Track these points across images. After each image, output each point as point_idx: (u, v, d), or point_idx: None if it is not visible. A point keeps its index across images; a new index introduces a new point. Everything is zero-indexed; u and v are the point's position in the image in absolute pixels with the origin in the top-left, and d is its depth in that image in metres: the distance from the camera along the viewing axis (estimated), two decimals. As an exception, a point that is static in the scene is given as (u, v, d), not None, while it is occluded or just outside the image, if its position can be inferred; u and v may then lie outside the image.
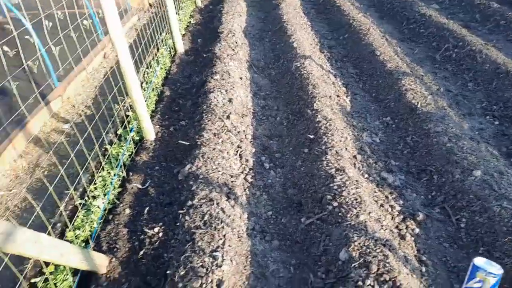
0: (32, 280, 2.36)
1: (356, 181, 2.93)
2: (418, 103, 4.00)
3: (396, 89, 4.35)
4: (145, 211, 2.91)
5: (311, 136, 3.57)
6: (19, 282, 2.28)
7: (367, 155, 3.46)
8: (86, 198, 2.95)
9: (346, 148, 3.40)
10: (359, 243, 2.40)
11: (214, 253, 2.37)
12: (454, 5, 7.30)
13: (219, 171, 3.14)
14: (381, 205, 2.92)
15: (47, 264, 2.37)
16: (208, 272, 2.23)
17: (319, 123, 3.68)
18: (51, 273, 2.35)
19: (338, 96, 4.40)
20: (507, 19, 6.07)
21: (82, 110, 4.56)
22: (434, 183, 3.21)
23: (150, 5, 8.25)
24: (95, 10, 6.42)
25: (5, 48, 5.53)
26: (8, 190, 3.34)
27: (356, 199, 2.74)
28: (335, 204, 2.73)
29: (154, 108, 4.38)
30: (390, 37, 5.99)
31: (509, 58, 4.93)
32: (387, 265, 2.27)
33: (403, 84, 4.37)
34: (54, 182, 2.56)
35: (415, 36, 6.09)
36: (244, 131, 3.86)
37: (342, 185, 2.86)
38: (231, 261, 2.39)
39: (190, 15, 7.51)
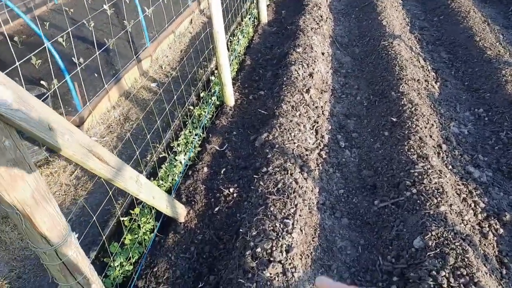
0: (121, 219, 2.63)
1: (439, 170, 2.78)
2: (519, 96, 3.62)
3: (495, 79, 3.96)
4: (222, 172, 3.06)
5: (394, 119, 3.42)
6: (115, 217, 2.56)
7: (453, 146, 3.25)
8: (169, 153, 3.17)
9: (430, 136, 3.21)
10: (437, 233, 2.30)
11: (285, 220, 2.44)
12: None
13: (294, 143, 3.17)
14: (464, 199, 2.74)
15: (133, 206, 2.63)
16: (278, 236, 2.31)
17: (404, 106, 3.50)
18: (136, 215, 2.60)
19: (426, 81, 4.13)
20: None
21: (168, 71, 4.83)
22: (527, 186, 2.93)
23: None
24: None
25: (104, 6, 5.99)
26: (101, 137, 3.71)
27: (437, 189, 2.60)
28: (414, 191, 2.63)
29: (235, 76, 4.49)
30: (493, 23, 5.40)
31: None
32: (466, 259, 2.16)
33: (503, 75, 3.96)
34: (148, 136, 2.78)
35: (524, 23, 5.42)
36: (322, 107, 3.81)
37: (423, 173, 2.74)
38: (301, 230, 2.45)
39: (276, -15, 7.42)
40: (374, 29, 5.22)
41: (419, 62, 4.51)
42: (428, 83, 4.11)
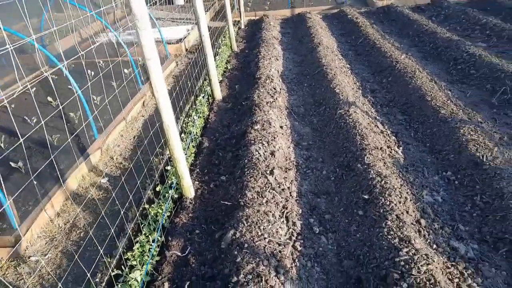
0: None
1: (426, 254, 2.54)
2: (483, 156, 3.59)
3: (455, 139, 3.96)
4: (185, 287, 2.63)
5: (366, 196, 3.22)
6: None
7: (431, 219, 3.06)
8: (123, 267, 2.73)
9: (407, 212, 3.02)
10: None
11: None
12: (503, 43, 6.89)
13: (265, 238, 2.85)
14: (458, 285, 2.48)
15: None
16: None
17: (373, 180, 3.34)
18: None
19: (389, 147, 4.06)
20: None
21: (121, 163, 4.46)
22: (516, 255, 2.75)
23: (187, 50, 8.41)
24: (135, 58, 6.55)
25: (49, 98, 5.67)
26: (43, 255, 3.18)
27: (429, 280, 2.34)
28: (404, 285, 2.34)
29: (193, 161, 4.21)
30: (438, 79, 5.64)
31: None
32: None
33: (462, 134, 3.98)
34: (105, 246, 2.36)
35: (466, 78, 5.70)
36: (288, 187, 3.57)
37: (409, 260, 2.48)
38: None
39: (227, 60, 7.53)
40: (328, 96, 5.25)
41: (378, 127, 4.49)
42: (391, 149, 4.04)
